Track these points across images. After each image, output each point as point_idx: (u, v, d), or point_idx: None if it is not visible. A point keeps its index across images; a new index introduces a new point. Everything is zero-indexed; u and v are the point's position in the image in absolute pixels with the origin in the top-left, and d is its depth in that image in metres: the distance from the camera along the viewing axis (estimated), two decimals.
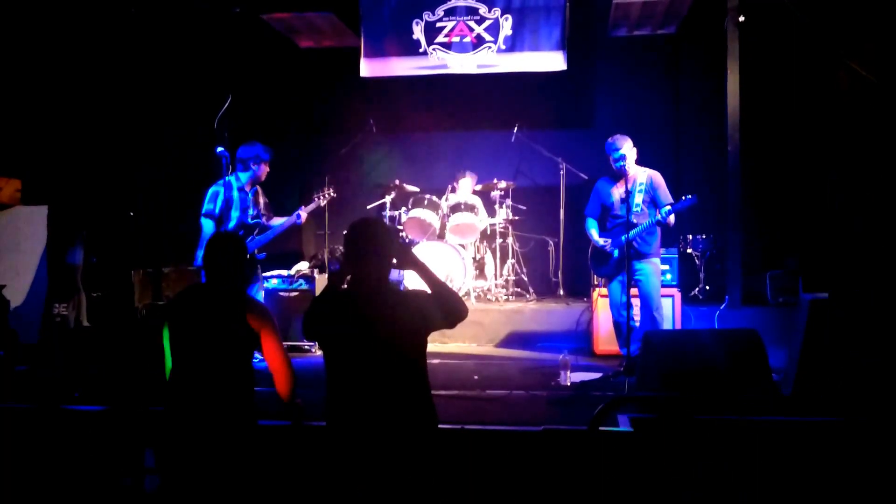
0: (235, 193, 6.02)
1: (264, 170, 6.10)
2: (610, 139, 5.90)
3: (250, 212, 6.08)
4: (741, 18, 7.31)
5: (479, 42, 8.03)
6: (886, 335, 4.66)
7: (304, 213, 6.21)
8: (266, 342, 3.55)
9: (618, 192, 5.88)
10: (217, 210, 5.94)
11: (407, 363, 2.99)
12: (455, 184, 8.72)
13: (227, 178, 5.94)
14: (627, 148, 5.82)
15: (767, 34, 7.66)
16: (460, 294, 7.85)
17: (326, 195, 6.40)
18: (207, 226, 5.96)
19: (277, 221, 6.22)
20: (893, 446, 3.95)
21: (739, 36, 7.32)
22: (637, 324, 5.99)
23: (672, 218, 5.73)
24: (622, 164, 5.77)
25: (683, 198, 5.64)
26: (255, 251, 6.05)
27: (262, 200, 6.20)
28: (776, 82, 8.04)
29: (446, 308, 3.04)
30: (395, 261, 3.12)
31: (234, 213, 6.00)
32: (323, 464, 3.11)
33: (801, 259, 7.61)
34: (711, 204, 7.96)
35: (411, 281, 7.21)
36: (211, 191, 6.00)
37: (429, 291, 3.09)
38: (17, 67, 7.35)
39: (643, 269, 5.85)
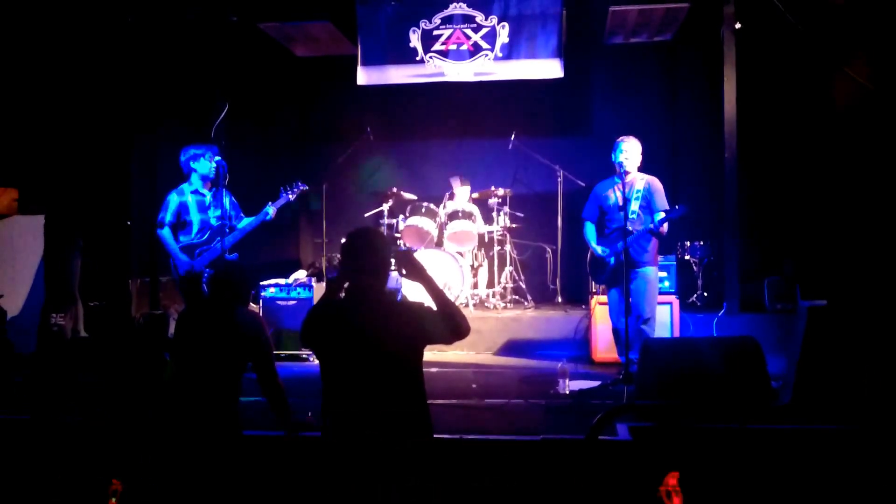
0: (190, 198, 5.95)
1: (208, 166, 5.91)
2: (619, 138, 5.89)
3: (212, 213, 5.97)
4: (738, 26, 7.33)
5: (475, 50, 8.03)
6: (885, 342, 4.66)
7: (272, 210, 6.09)
8: (257, 357, 3.59)
9: (614, 194, 5.87)
10: (168, 218, 5.89)
11: (403, 373, 2.98)
12: (453, 189, 8.72)
13: (181, 185, 5.94)
14: (632, 146, 5.81)
15: (764, 41, 7.66)
16: (458, 302, 7.85)
17: (296, 189, 6.22)
18: (163, 234, 5.91)
19: (247, 221, 6.13)
20: (893, 454, 3.95)
21: (736, 43, 7.34)
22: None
23: (665, 227, 5.72)
24: (622, 160, 5.74)
25: (675, 207, 5.66)
26: (227, 251, 5.92)
27: (227, 200, 6.05)
28: (773, 89, 8.04)
29: (449, 325, 3.02)
30: (403, 271, 3.11)
31: (195, 217, 5.93)
32: (318, 473, 3.10)
33: (799, 266, 7.61)
34: (709, 211, 7.97)
35: (409, 289, 7.19)
36: (164, 200, 5.97)
37: (428, 303, 3.09)
38: (14, 76, 7.35)
39: (637, 278, 5.82)
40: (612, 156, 5.87)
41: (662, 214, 5.71)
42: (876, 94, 6.86)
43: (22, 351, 6.33)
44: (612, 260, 5.86)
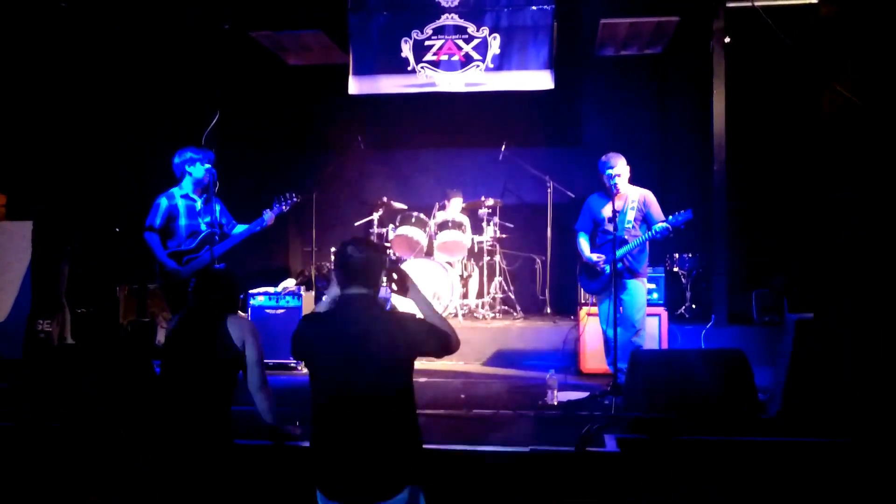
0: (180, 202, 5.86)
1: (203, 171, 5.84)
2: (604, 157, 5.90)
3: (202, 219, 5.89)
4: (727, 40, 7.38)
5: (467, 60, 8.06)
6: (871, 355, 4.69)
7: (270, 216, 5.99)
8: (247, 365, 3.58)
9: (609, 208, 5.89)
10: (158, 222, 5.80)
11: (392, 385, 2.98)
12: (446, 202, 8.73)
13: (171, 189, 5.87)
14: (621, 166, 5.83)
15: (753, 55, 7.73)
16: (447, 312, 7.85)
17: (290, 201, 6.12)
18: (151, 239, 5.82)
19: (240, 227, 6.04)
20: (880, 466, 3.97)
21: (725, 56, 7.39)
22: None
23: (672, 231, 5.75)
24: (615, 182, 5.77)
25: (678, 213, 5.68)
26: (215, 260, 5.83)
27: (217, 207, 5.97)
28: (762, 102, 8.11)
29: (439, 340, 3.03)
30: (394, 287, 3.10)
31: (182, 223, 5.83)
32: (306, 483, 3.10)
33: (787, 278, 7.65)
34: (698, 222, 7.97)
35: (398, 300, 7.18)
36: (154, 203, 5.88)
37: (418, 315, 3.09)
38: (2, 82, 7.33)
39: (631, 288, 5.86)
40: (604, 179, 5.88)
41: (664, 224, 5.72)
42: (863, 107, 6.91)
43: (8, 357, 6.29)
44: (608, 269, 5.87)
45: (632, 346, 5.80)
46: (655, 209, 5.91)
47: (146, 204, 5.95)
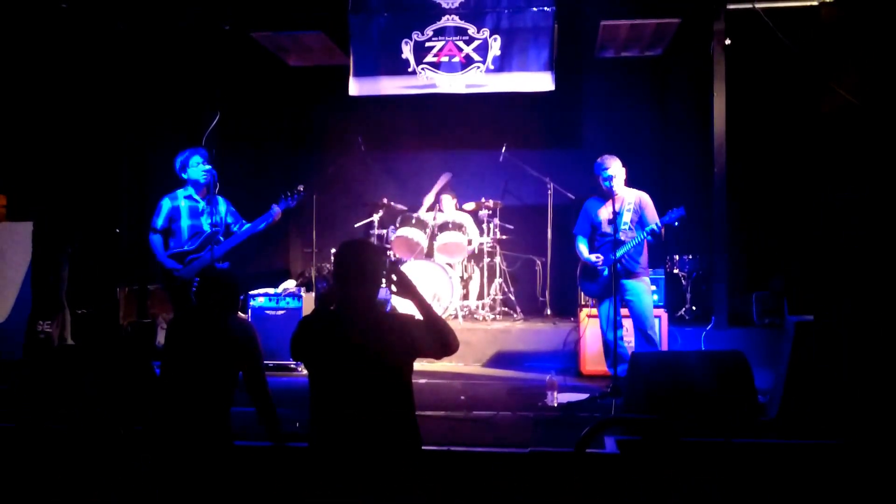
0: (183, 203, 5.86)
1: (201, 172, 5.82)
2: (599, 159, 5.96)
3: (205, 219, 5.86)
4: (727, 41, 7.39)
5: (467, 62, 8.05)
6: (871, 356, 4.69)
7: (278, 210, 5.95)
8: (248, 366, 3.58)
9: (606, 211, 5.95)
10: (160, 223, 5.82)
11: (392, 386, 2.98)
12: (439, 205, 8.74)
13: (175, 190, 5.87)
14: (616, 168, 5.88)
15: (753, 57, 7.74)
16: (447, 313, 7.85)
17: (297, 196, 6.08)
18: (154, 240, 5.83)
19: (248, 226, 5.99)
20: (879, 468, 3.96)
21: (725, 58, 7.40)
22: (626, 343, 6.04)
23: (663, 231, 5.80)
24: (610, 184, 5.83)
25: (671, 210, 5.72)
26: (219, 258, 5.81)
27: (222, 207, 5.97)
28: (762, 104, 8.11)
29: (438, 341, 3.03)
30: (393, 288, 3.10)
31: (185, 223, 5.83)
32: (305, 485, 3.10)
33: (787, 280, 7.66)
34: (698, 224, 8.01)
35: (398, 300, 7.18)
36: (157, 205, 5.88)
37: (418, 316, 3.09)
38: (3, 83, 7.33)
39: (633, 289, 5.90)
40: (600, 181, 5.94)
41: (655, 225, 5.80)
42: (862, 109, 6.92)
43: (8, 358, 6.29)
44: (606, 270, 5.91)
45: (646, 346, 5.85)
46: (650, 211, 5.98)
47: (146, 204, 5.96)
